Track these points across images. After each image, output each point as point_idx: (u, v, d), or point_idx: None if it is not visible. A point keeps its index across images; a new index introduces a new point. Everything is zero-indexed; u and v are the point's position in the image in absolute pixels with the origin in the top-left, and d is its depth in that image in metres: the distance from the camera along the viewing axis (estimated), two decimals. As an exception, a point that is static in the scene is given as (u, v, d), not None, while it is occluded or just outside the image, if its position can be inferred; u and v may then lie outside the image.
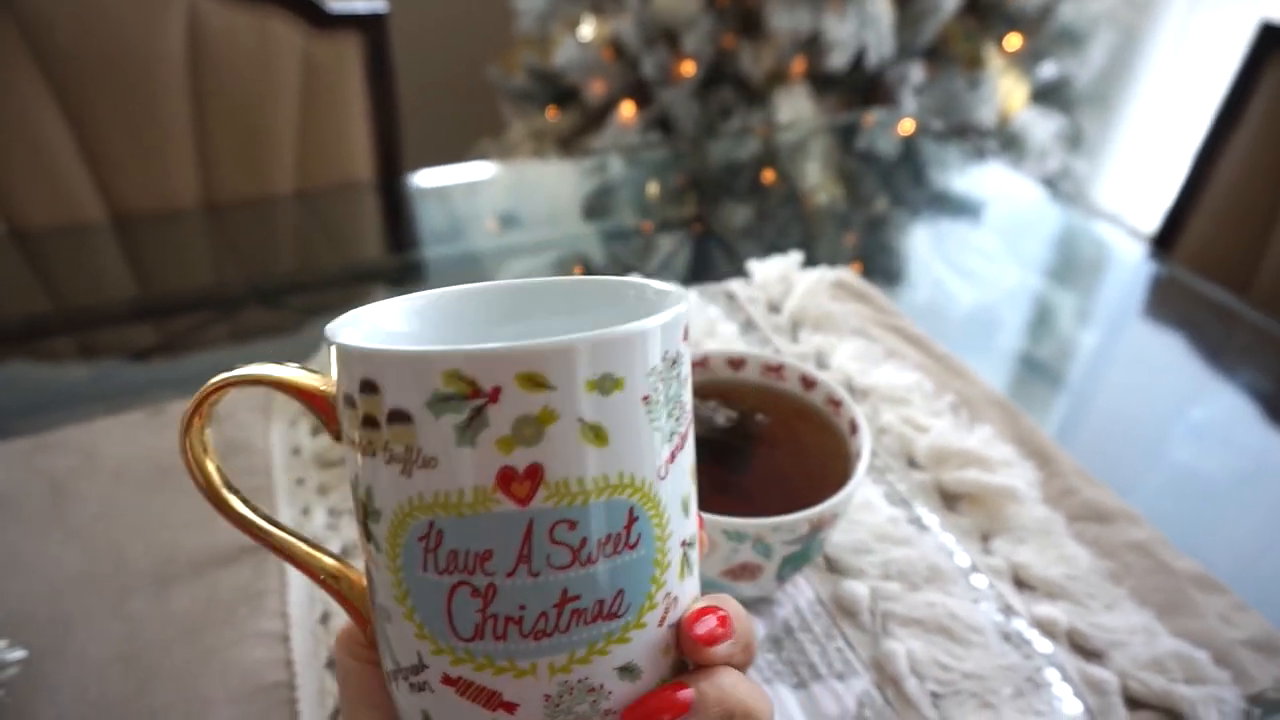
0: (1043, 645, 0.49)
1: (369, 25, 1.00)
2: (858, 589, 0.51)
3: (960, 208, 1.08)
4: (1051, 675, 0.47)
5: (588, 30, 1.86)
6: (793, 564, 0.47)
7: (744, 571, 0.46)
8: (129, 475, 0.60)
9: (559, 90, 1.97)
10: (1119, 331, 0.86)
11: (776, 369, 0.55)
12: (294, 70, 0.99)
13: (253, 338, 0.82)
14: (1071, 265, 0.96)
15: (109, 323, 0.84)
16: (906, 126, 1.26)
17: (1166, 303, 0.90)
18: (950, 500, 0.59)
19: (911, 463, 0.62)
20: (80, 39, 0.91)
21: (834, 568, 0.54)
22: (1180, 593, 0.52)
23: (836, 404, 0.52)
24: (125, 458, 0.61)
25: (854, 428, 0.51)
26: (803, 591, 0.52)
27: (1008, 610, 0.51)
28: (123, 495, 0.58)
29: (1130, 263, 0.95)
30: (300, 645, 0.49)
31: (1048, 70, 1.92)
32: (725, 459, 0.51)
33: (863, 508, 0.57)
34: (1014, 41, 1.83)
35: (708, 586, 0.48)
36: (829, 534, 0.47)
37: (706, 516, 0.44)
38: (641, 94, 1.81)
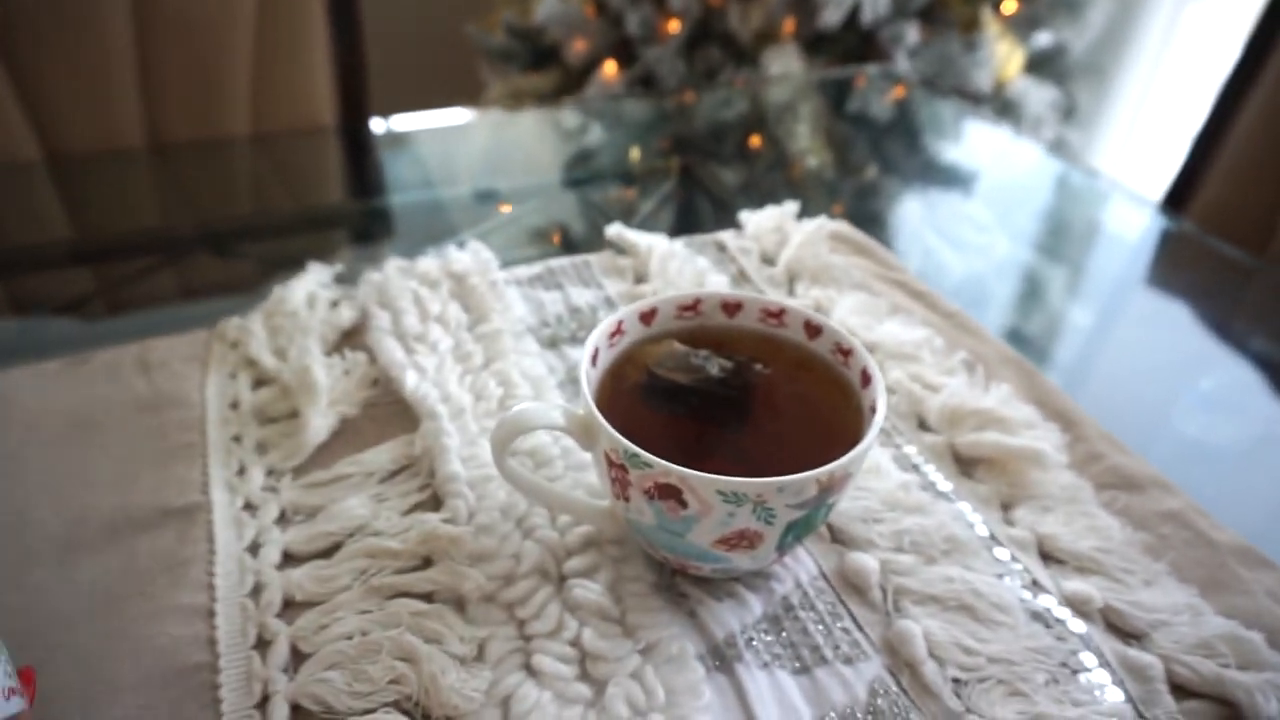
0: (1076, 625, 0.43)
1: (330, -47, 0.92)
2: (866, 562, 0.46)
3: (959, 170, 1.02)
4: (1088, 659, 0.42)
5: (570, -16, 1.77)
6: (796, 532, 0.41)
7: (741, 540, 0.40)
8: (40, 429, 0.53)
9: (539, 50, 1.89)
10: (1130, 293, 0.81)
11: (777, 314, 0.49)
12: (250, 5, 0.91)
13: (204, 291, 0.75)
14: (1079, 227, 0.90)
15: (38, 267, 0.76)
16: (900, 92, 1.20)
17: (1181, 263, 0.85)
18: (966, 466, 0.53)
19: (922, 425, 0.56)
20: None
21: (838, 538, 0.48)
22: (1224, 568, 0.47)
23: (846, 352, 0.46)
24: (38, 410, 0.54)
25: (866, 378, 0.44)
26: (803, 564, 0.46)
27: (1035, 586, 0.45)
28: (30, 452, 0.51)
29: (1141, 224, 0.89)
30: (226, 622, 0.42)
31: (1043, 39, 1.87)
32: (719, 415, 0.45)
33: (870, 473, 0.51)
34: (1010, 5, 1.77)
35: (698, 556, 0.42)
36: (839, 498, 0.41)
37: (701, 476, 0.38)
38: (625, 53, 1.73)
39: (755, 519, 0.39)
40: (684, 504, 0.39)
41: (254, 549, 0.46)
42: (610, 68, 1.71)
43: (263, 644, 0.41)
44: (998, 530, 0.48)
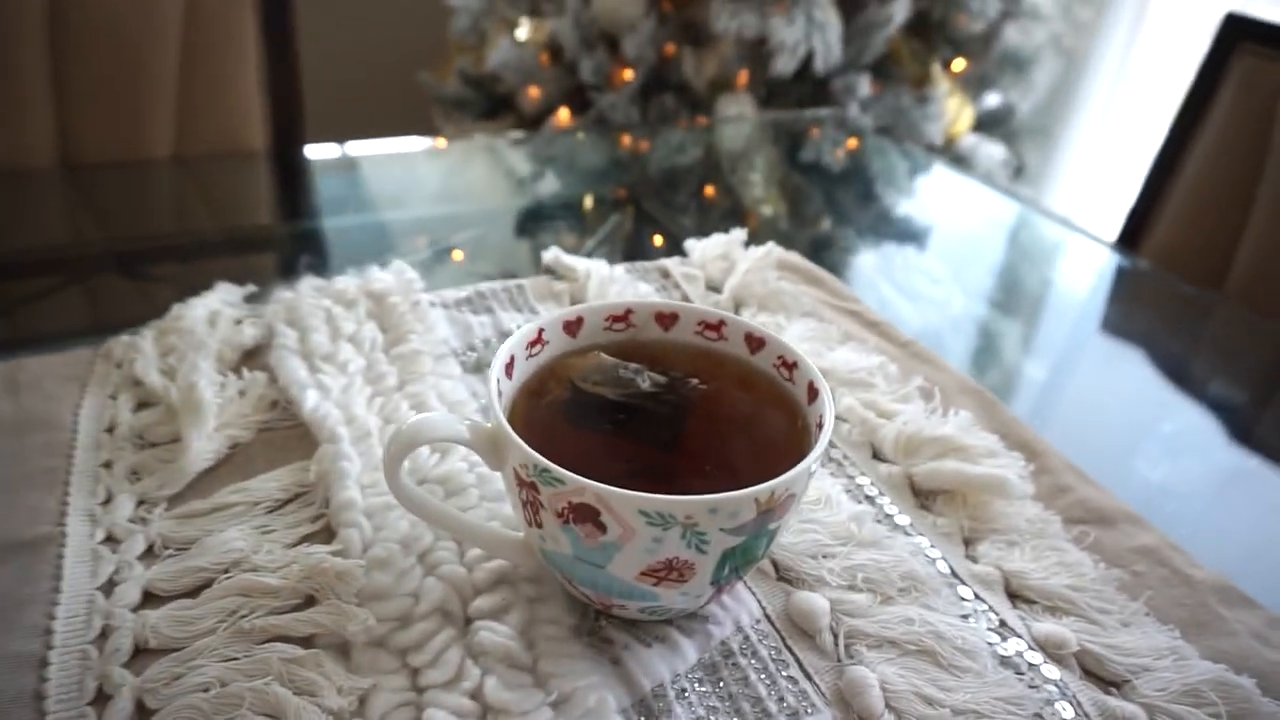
0: (1050, 671, 0.38)
1: (265, -30, 0.89)
2: (815, 602, 0.40)
3: (916, 216, 1.00)
4: (1064, 710, 0.37)
5: (523, 33, 1.77)
6: (734, 563, 0.36)
7: (669, 572, 0.35)
8: (-125, 453, 0.46)
9: (493, 97, 1.87)
10: (1090, 332, 0.78)
11: (716, 326, 0.44)
12: (176, 15, 0.87)
13: (108, 313, 0.68)
14: (1038, 269, 0.88)
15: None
16: (853, 143, 1.19)
17: (1140, 301, 0.82)
18: (924, 498, 0.48)
19: (877, 455, 0.51)
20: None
21: (784, 575, 0.43)
22: (1205, 607, 0.43)
23: (790, 366, 0.42)
24: (-123, 432, 0.47)
25: (813, 392, 0.40)
26: (745, 605, 0.41)
27: (1003, 628, 0.41)
28: None
29: (1098, 263, 0.87)
30: (60, 673, 0.35)
31: (992, 99, 1.90)
32: (650, 433, 0.40)
33: (819, 504, 0.46)
34: (960, 64, 1.81)
35: (621, 592, 0.36)
36: (782, 524, 0.36)
37: (621, 494, 0.32)
38: (579, 100, 1.72)
39: (685, 546, 0.34)
40: (603, 528, 0.33)
41: (109, 588, 0.39)
42: (564, 114, 1.70)
43: (103, 698, 0.35)
44: (960, 567, 0.44)
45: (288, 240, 0.81)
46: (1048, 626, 0.40)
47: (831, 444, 0.52)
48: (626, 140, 1.16)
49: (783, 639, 0.40)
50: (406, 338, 0.56)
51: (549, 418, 0.40)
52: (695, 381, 0.42)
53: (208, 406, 0.48)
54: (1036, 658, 0.39)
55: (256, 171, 0.93)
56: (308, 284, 0.60)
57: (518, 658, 0.36)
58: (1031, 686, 0.38)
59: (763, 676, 0.38)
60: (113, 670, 0.35)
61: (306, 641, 0.37)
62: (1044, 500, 0.48)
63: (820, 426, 0.38)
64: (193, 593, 0.39)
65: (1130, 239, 0.98)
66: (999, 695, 0.37)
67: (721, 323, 0.44)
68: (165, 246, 0.78)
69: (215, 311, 0.58)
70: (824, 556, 0.43)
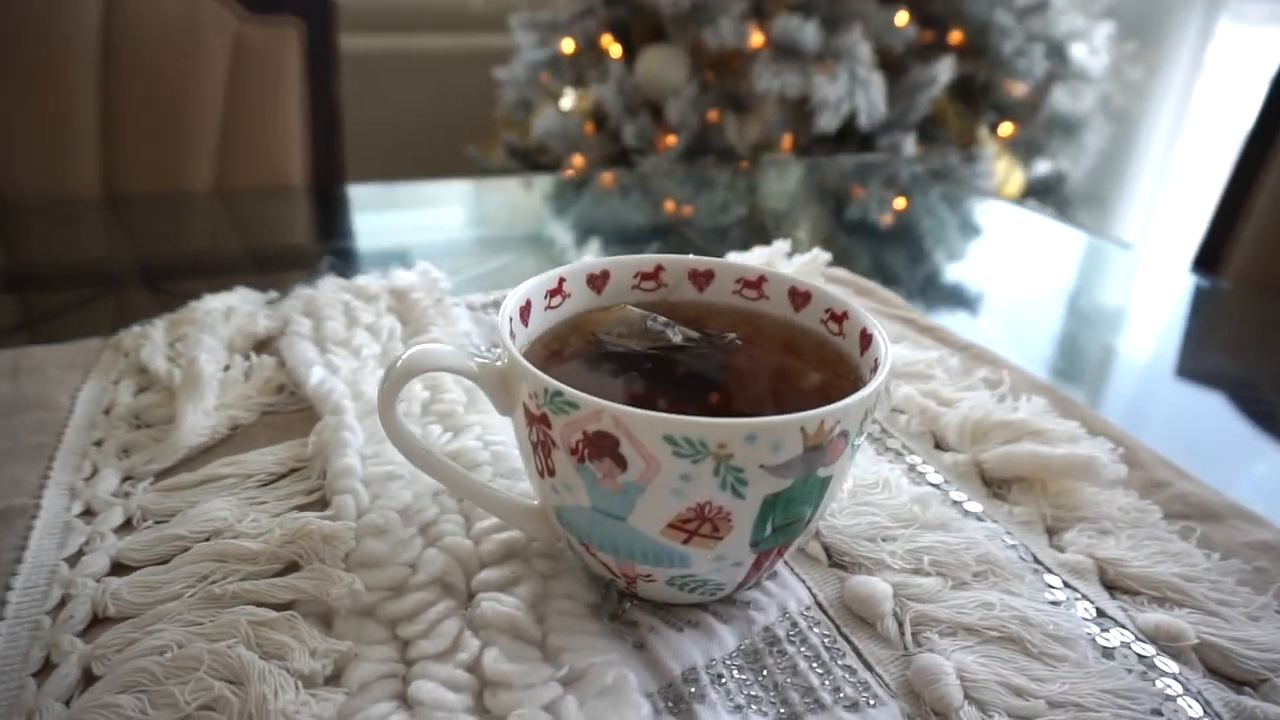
0: (1166, 664, 0.32)
1: (312, 12, 0.91)
2: (875, 586, 0.34)
3: (977, 245, 0.96)
4: (1191, 708, 0.30)
5: (568, 102, 1.80)
6: (777, 521, 0.30)
7: (700, 522, 0.29)
8: None
9: (537, 167, 1.90)
10: (1178, 351, 0.72)
11: (756, 283, 0.40)
12: (223, 57, 0.88)
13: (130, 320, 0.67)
14: (1114, 291, 0.83)
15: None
16: (900, 204, 1.16)
17: (1224, 320, 0.76)
18: (997, 487, 0.42)
19: (939, 445, 0.46)
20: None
21: (838, 561, 0.37)
22: (1348, 606, 0.35)
23: (840, 317, 0.37)
24: None
25: (866, 340, 0.35)
26: (792, 591, 0.35)
27: (1103, 618, 0.34)
28: None
29: (1176, 285, 0.81)
30: (8, 644, 0.31)
31: (1042, 167, 1.87)
32: (681, 387, 0.35)
33: (877, 487, 0.40)
34: (1007, 129, 1.79)
35: (646, 553, 0.31)
36: (834, 475, 0.31)
37: (644, 415, 0.28)
38: (623, 163, 1.73)
39: (719, 486, 0.29)
40: (622, 463, 0.29)
41: (76, 559, 0.35)
42: (608, 177, 1.70)
43: (49, 668, 0.30)
44: (1044, 555, 0.37)
45: (317, 258, 0.80)
46: (1157, 616, 0.34)
47: (887, 433, 0.46)
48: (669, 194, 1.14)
49: (837, 627, 0.34)
50: (426, 329, 0.52)
51: (568, 372, 0.35)
52: (733, 336, 0.38)
53: (206, 381, 0.44)
54: (1147, 649, 0.32)
55: (294, 205, 0.93)
56: (329, 281, 0.58)
57: (525, 630, 0.31)
58: (1146, 678, 0.31)
59: (815, 665, 0.32)
60: (62, 638, 0.31)
61: (284, 609, 0.32)
62: (1139, 493, 0.42)
63: (875, 370, 0.33)
64: (166, 561, 0.35)
65: (1204, 266, 0.92)
66: (1106, 687, 0.30)
67: (762, 279, 0.40)
68: (195, 265, 0.76)
69: (232, 307, 0.55)
70: (884, 539, 0.37)
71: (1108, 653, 0.32)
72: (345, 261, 0.77)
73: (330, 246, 0.80)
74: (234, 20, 0.88)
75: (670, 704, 0.30)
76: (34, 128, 0.85)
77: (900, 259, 0.88)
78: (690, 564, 0.31)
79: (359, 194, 0.92)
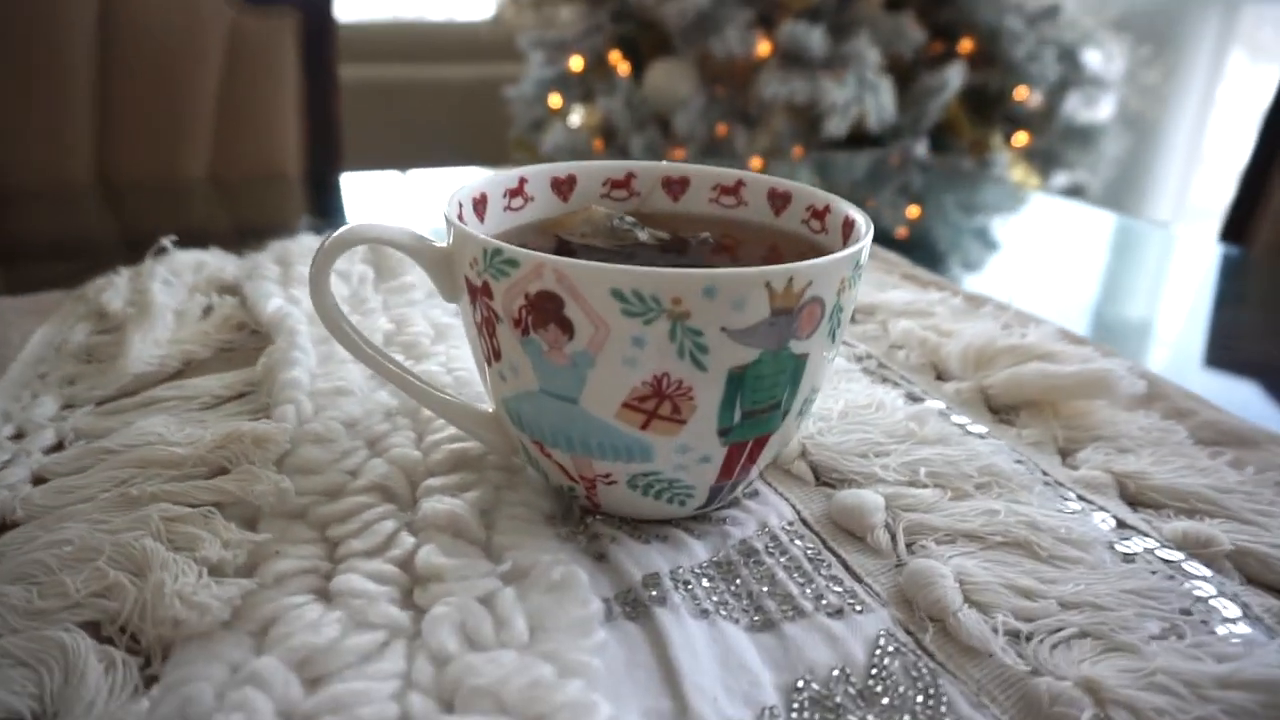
0: (1196, 567, 0.28)
1: (309, 5, 0.90)
2: (864, 497, 0.31)
3: (998, 226, 0.93)
4: (1226, 608, 0.26)
5: (577, 119, 1.80)
6: (747, 405, 0.27)
7: (659, 401, 0.26)
8: None
9: (548, 185, 1.89)
10: (1202, 320, 0.68)
11: (734, 188, 0.37)
12: (219, 47, 0.88)
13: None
14: (1145, 263, 0.79)
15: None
16: (913, 212, 1.13)
17: (1250, 288, 0.72)
18: (1004, 414, 0.39)
19: (941, 376, 0.42)
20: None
21: (826, 480, 0.33)
22: (1404, 521, 0.31)
23: (821, 213, 0.34)
24: None
25: (849, 227, 0.32)
26: (774, 507, 0.32)
27: (1124, 528, 0.30)
28: None
29: (1209, 256, 0.78)
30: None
31: (1061, 180, 1.84)
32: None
33: (870, 407, 0.37)
34: (1021, 139, 1.76)
35: (603, 444, 0.28)
36: (809, 352, 0.28)
37: (588, 267, 0.25)
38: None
39: (677, 353, 0.26)
40: (569, 328, 0.26)
41: (-1, 474, 0.33)
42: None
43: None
44: (1056, 472, 0.34)
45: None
46: (1185, 524, 0.30)
47: (884, 367, 0.43)
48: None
49: (823, 541, 0.30)
50: (399, 275, 0.50)
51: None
52: (705, 234, 0.35)
53: (158, 311, 0.42)
54: (1174, 554, 0.29)
55: (290, 193, 0.91)
56: (306, 236, 0.56)
57: (468, 529, 0.28)
58: (1172, 578, 0.27)
59: (795, 575, 0.28)
60: (-38, 540, 0.28)
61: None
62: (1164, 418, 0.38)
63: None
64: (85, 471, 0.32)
65: (1232, 237, 0.88)
66: (1127, 588, 0.26)
67: (740, 183, 0.37)
68: (186, 244, 0.75)
69: (203, 261, 0.53)
70: (876, 455, 0.34)
71: (1128, 558, 0.28)
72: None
73: (319, 225, 0.78)
74: (231, 11, 0.88)
75: (627, 608, 0.26)
76: (31, 115, 0.84)
77: (921, 254, 0.85)
78: (652, 456, 0.28)
79: (354, 181, 0.91)
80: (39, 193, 0.84)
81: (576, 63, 1.78)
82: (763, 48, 1.54)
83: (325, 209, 0.88)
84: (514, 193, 0.35)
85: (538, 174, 0.36)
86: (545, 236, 0.35)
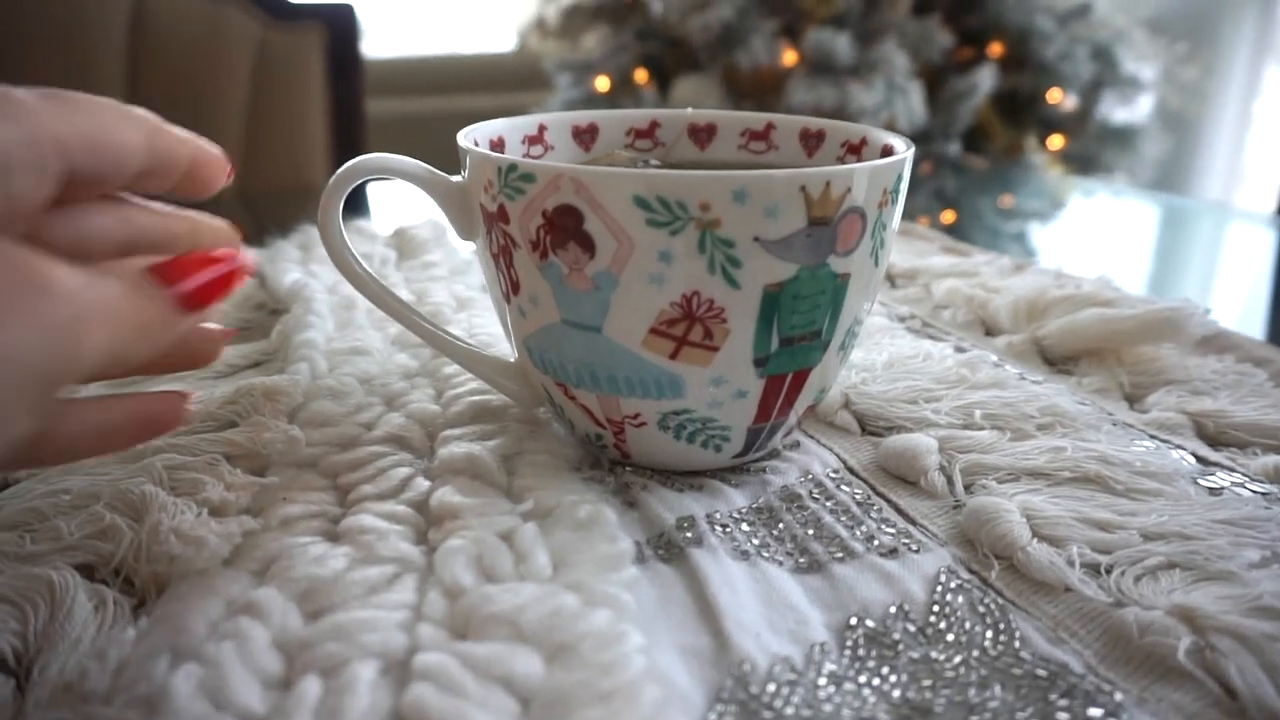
0: (1293, 498, 0.25)
1: (334, 21, 0.91)
2: (917, 441, 0.28)
3: (1050, 217, 0.90)
4: (1332, 534, 0.23)
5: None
6: (785, 330, 0.25)
7: (690, 325, 0.24)
8: None
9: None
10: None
11: (764, 132, 0.35)
12: (247, 63, 0.89)
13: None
14: (1199, 245, 0.76)
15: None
16: (947, 217, 1.10)
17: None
18: (1062, 365, 0.36)
19: (990, 332, 0.40)
20: (7, 13, 0.82)
21: (870, 428, 0.31)
22: None
23: (857, 148, 0.32)
24: None
25: (888, 153, 0.30)
26: (817, 455, 0.30)
27: (1205, 464, 0.27)
28: None
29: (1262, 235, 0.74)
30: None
31: (1098, 185, 1.79)
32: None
33: (916, 355, 0.34)
34: (1056, 141, 1.72)
35: (631, 378, 0.26)
36: (855, 286, 0.25)
37: (609, 173, 0.23)
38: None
39: (708, 267, 0.24)
40: (589, 245, 0.24)
41: None
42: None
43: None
44: (1125, 416, 0.31)
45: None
46: (1275, 459, 0.27)
47: (929, 325, 0.40)
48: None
49: (872, 487, 0.28)
50: (421, 255, 0.49)
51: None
52: None
53: (176, 287, 0.41)
54: (1268, 488, 0.26)
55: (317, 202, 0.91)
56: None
57: (487, 472, 0.26)
58: (1268, 507, 0.24)
59: (843, 518, 0.26)
60: (-36, 496, 0.27)
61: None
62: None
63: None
64: (97, 435, 0.31)
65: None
66: (1219, 518, 0.23)
67: (770, 125, 0.35)
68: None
69: (225, 252, 0.52)
70: (926, 400, 0.31)
71: (1214, 491, 0.26)
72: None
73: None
74: (258, 27, 0.89)
75: (660, 551, 0.24)
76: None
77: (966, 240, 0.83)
78: (683, 390, 0.26)
79: (381, 188, 0.90)
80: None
81: (603, 83, 1.78)
82: (789, 57, 1.53)
83: (353, 216, 0.88)
84: (533, 140, 0.34)
85: (558, 121, 0.35)
86: None
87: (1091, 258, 0.67)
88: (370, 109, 0.98)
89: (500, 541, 0.22)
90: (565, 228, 0.24)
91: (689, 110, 0.37)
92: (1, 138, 0.18)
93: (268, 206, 0.89)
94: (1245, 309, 0.58)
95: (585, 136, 0.35)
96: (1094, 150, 1.75)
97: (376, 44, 2.25)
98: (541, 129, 0.34)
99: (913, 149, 0.27)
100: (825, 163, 0.34)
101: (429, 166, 0.28)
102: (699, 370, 0.25)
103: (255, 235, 0.77)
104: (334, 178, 0.28)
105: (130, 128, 0.21)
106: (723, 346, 0.25)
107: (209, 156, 0.23)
